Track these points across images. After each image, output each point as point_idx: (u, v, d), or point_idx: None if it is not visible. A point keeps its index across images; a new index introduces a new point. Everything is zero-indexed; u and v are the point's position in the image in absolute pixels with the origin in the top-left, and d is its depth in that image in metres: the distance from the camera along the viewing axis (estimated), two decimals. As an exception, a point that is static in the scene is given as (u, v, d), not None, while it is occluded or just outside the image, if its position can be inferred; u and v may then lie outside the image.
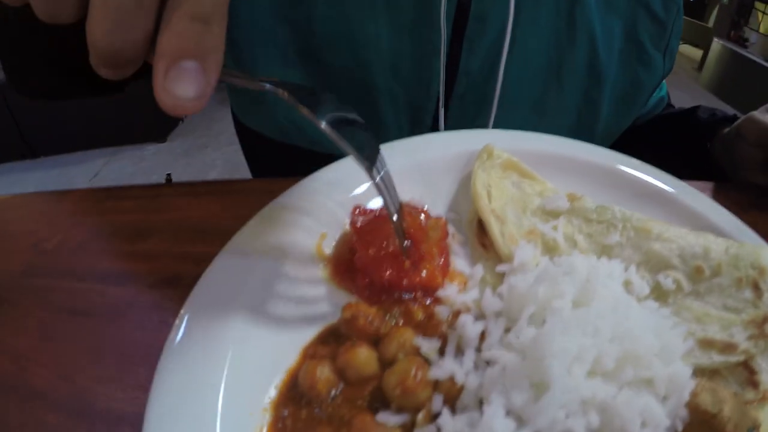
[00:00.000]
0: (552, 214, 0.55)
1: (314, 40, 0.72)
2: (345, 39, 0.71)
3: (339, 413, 0.32)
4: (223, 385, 0.33)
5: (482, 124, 0.78)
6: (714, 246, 0.51)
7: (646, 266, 0.51)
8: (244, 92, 0.83)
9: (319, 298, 0.40)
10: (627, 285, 0.47)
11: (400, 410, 0.33)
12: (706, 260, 0.50)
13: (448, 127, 0.77)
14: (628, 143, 1.00)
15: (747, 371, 0.44)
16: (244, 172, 0.99)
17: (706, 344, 0.45)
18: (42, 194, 0.60)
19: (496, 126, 0.78)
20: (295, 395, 0.33)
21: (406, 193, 0.50)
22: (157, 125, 3.96)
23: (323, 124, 0.33)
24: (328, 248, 0.44)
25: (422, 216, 0.46)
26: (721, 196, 0.73)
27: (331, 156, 0.54)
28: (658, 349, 0.38)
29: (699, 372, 0.43)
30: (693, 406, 0.37)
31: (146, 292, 0.44)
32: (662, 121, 0.99)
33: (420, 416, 0.33)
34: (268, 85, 0.33)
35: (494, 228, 0.49)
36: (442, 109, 0.76)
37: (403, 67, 0.73)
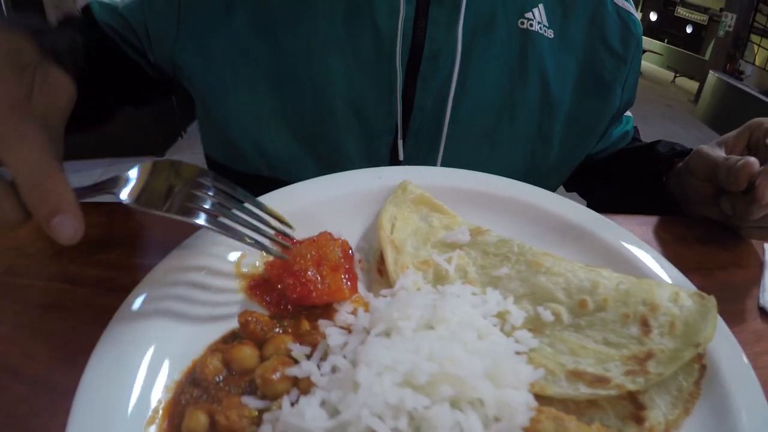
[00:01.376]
0: (451, 246, 0.59)
1: (279, 72, 0.76)
2: (308, 73, 0.76)
3: (218, 395, 0.41)
4: (142, 367, 0.43)
5: (437, 156, 0.82)
6: (605, 281, 0.52)
7: (530, 298, 0.53)
8: (209, 127, 0.89)
9: (230, 307, 0.50)
10: (504, 315, 0.51)
11: (263, 397, 0.41)
12: (593, 295, 0.51)
13: (405, 158, 0.82)
14: (590, 177, 1.03)
15: (633, 406, 0.44)
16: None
17: (575, 376, 0.45)
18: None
19: (448, 157, 0.82)
20: (193, 379, 0.43)
21: (331, 221, 0.58)
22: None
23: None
24: (246, 267, 0.53)
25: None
26: (663, 230, 0.75)
27: (288, 182, 0.61)
28: (483, 372, 0.41)
29: (572, 403, 0.44)
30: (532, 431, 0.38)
31: (104, 294, 0.54)
32: (624, 155, 1.01)
33: (273, 404, 0.40)
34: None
35: (389, 257, 0.54)
36: (401, 142, 0.80)
37: (363, 103, 0.77)
